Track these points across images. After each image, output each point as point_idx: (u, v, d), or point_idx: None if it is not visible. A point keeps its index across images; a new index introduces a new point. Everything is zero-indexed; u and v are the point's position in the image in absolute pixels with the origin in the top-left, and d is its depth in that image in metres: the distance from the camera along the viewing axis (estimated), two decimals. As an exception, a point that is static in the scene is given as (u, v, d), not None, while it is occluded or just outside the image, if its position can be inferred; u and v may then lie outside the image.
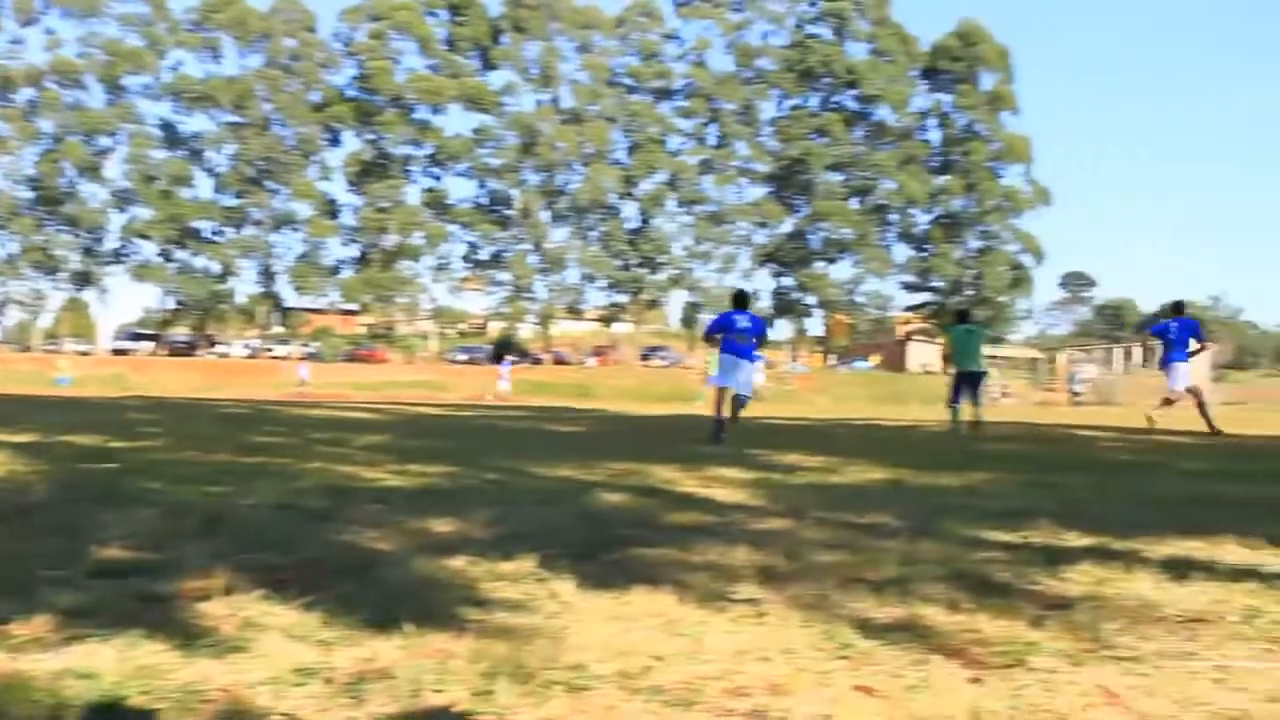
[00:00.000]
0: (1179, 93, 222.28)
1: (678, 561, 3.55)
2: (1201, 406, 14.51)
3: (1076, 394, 40.59)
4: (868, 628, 2.62)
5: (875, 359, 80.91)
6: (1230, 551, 4.02)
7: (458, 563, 3.43)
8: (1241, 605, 3.00)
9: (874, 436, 12.57)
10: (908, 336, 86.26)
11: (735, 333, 12.02)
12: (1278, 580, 3.38)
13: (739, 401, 12.06)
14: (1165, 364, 14.85)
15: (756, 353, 12.40)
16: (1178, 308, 15.24)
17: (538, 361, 74.87)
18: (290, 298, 79.71)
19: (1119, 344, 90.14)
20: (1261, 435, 14.20)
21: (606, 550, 3.73)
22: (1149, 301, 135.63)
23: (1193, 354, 14.50)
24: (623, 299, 79.73)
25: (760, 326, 12.52)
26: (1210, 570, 3.59)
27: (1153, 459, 9.54)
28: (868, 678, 2.22)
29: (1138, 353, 70.33)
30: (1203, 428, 13.87)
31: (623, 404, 39.31)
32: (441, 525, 4.31)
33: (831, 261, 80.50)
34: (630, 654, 2.35)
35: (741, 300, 12.65)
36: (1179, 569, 3.57)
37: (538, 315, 79.80)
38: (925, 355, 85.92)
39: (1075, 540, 4.23)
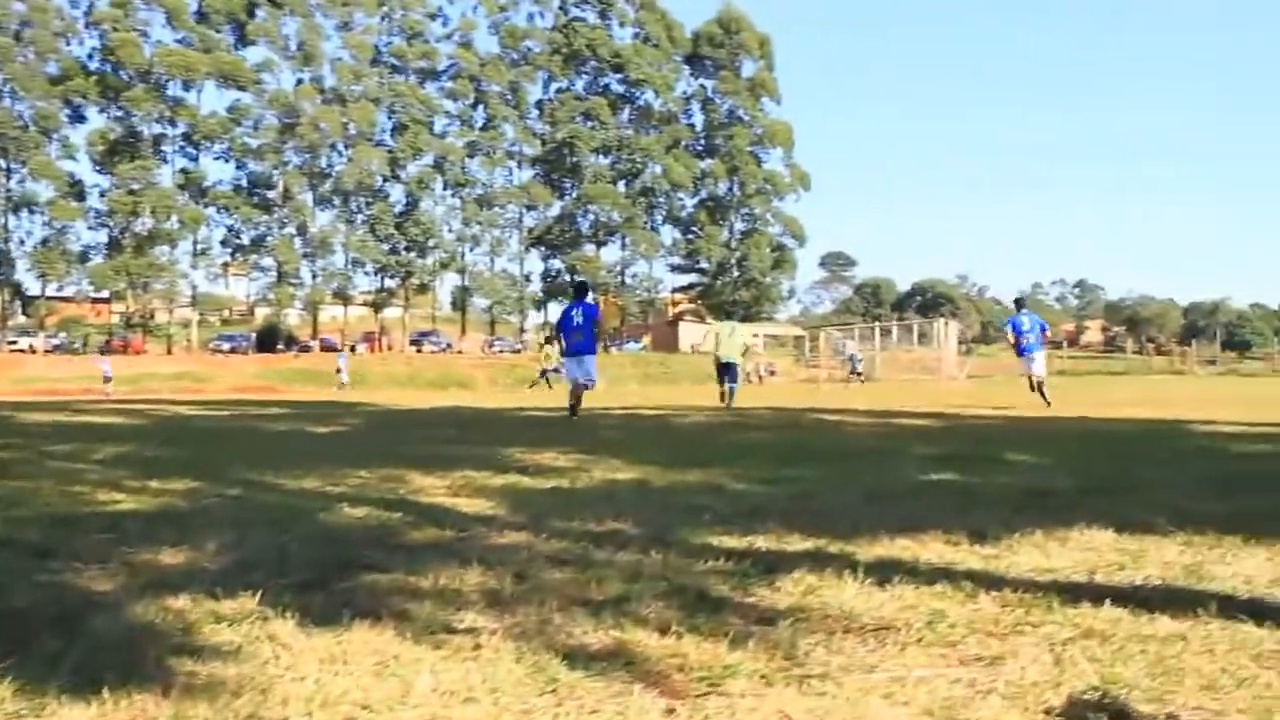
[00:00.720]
0: (928, 82, 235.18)
1: (407, 589, 3.56)
2: (1040, 387, 17.64)
3: (858, 373, 42.10)
4: (578, 657, 2.70)
5: (646, 340, 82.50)
6: (933, 550, 4.33)
7: (179, 603, 3.34)
8: (929, 609, 3.26)
9: (634, 427, 12.81)
10: (677, 317, 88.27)
11: (572, 331, 14.60)
12: (965, 580, 3.68)
13: (580, 388, 14.37)
14: (1022, 352, 17.94)
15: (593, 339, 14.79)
16: (1019, 303, 18.93)
17: (306, 349, 72.79)
18: (33, 286, 74.73)
19: (878, 321, 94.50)
20: (1008, 415, 15.22)
21: (338, 578, 3.71)
22: (905, 280, 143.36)
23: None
24: (392, 284, 78.36)
25: (594, 313, 14.95)
26: (911, 572, 3.86)
27: (892, 445, 10.12)
28: (567, 714, 2.31)
29: (896, 330, 73.93)
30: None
31: (394, 394, 38.75)
32: (171, 556, 4.18)
33: (600, 244, 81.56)
34: (337, 704, 2.37)
35: (581, 290, 15.55)
36: (884, 571, 3.82)
37: (304, 301, 77.49)
38: (695, 335, 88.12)
39: (797, 544, 4.47)
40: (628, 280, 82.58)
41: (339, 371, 44.68)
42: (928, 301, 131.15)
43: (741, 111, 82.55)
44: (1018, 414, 14.67)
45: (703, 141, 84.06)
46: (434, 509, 5.52)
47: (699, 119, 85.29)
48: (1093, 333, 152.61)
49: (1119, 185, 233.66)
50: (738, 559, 4.08)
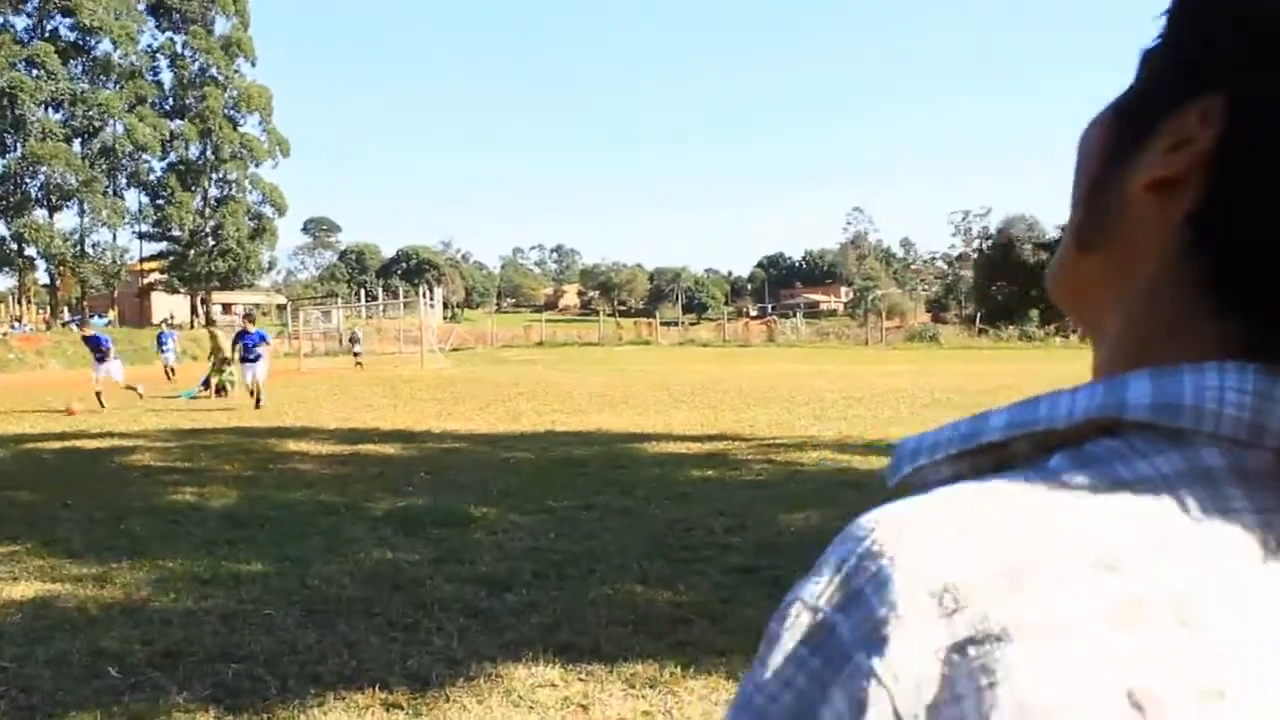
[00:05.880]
0: (409, 46, 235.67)
1: None
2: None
3: (357, 355, 39.94)
4: None
5: (112, 314, 75.97)
6: (368, 733, 3.96)
7: None
8: None
9: (64, 474, 10.71)
10: (148, 288, 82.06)
11: (250, 348, 19.56)
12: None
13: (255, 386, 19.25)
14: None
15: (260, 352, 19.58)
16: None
17: None
18: None
19: (364, 288, 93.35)
20: (474, 434, 15.10)
21: None
22: (389, 246, 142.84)
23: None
24: None
25: (265, 337, 20.23)
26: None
27: (351, 498, 9.64)
28: None
29: (381, 294, 73.20)
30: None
31: None
32: None
33: (54, 209, 73.39)
34: None
35: (251, 319, 21.04)
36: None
37: None
38: (169, 306, 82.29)
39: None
40: (88, 250, 74.92)
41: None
42: (412, 268, 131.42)
43: (215, 71, 77.26)
44: (486, 432, 14.56)
45: (171, 101, 77.94)
46: None
47: (167, 76, 78.89)
48: (569, 296, 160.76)
49: (587, 156, 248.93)
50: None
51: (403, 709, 4.15)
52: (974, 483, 0.45)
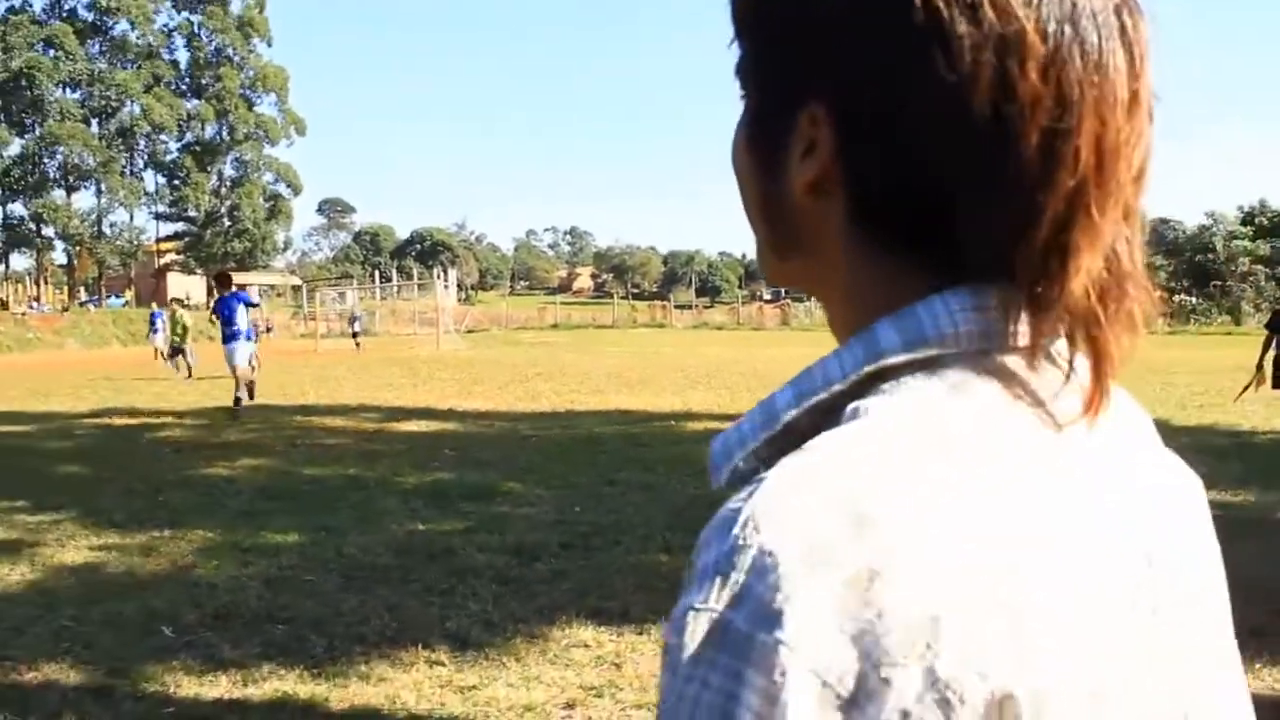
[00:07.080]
0: (421, 28, 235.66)
1: None
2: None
3: (356, 335, 39.66)
4: None
5: (130, 294, 76.42)
6: (413, 679, 4.18)
7: None
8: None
9: (105, 451, 11.06)
10: (164, 269, 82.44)
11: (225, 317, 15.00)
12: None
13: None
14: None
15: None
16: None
17: None
18: None
19: (378, 270, 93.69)
20: (507, 413, 15.30)
21: None
22: (404, 227, 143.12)
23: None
24: None
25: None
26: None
27: (379, 473, 9.84)
28: None
29: (395, 275, 73.34)
30: None
31: None
32: None
33: (72, 189, 73.78)
34: None
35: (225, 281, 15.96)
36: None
37: None
38: (185, 286, 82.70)
39: (262, 684, 4.15)
40: (106, 230, 75.34)
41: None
42: (426, 249, 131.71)
43: (231, 51, 77.57)
44: (506, 410, 14.75)
45: (188, 81, 78.22)
46: None
47: (183, 56, 79.16)
48: (583, 279, 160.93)
49: (601, 137, 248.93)
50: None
51: (445, 665, 4.36)
52: (792, 457, 0.49)
